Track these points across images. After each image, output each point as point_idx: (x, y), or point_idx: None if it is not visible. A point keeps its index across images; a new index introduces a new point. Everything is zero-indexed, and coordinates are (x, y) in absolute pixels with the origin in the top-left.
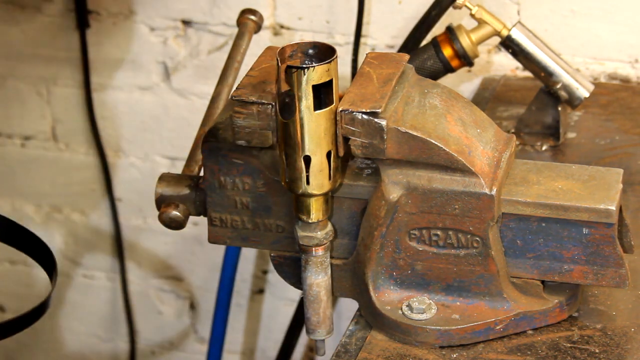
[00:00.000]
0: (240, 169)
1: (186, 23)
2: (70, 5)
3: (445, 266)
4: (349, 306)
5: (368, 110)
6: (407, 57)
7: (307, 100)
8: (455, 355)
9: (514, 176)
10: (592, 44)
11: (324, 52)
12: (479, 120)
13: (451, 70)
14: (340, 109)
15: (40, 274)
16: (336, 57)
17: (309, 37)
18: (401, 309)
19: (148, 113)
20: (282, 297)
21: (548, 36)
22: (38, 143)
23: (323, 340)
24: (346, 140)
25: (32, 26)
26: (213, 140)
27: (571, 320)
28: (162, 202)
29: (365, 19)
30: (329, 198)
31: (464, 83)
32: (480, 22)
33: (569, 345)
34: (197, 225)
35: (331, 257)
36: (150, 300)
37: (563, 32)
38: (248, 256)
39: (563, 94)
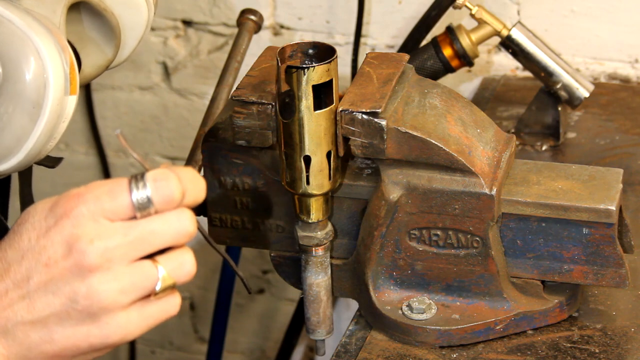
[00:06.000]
0: (240, 169)
1: (186, 23)
2: None
3: (445, 266)
4: (349, 306)
5: (368, 110)
6: (407, 57)
7: (307, 100)
8: (455, 355)
9: (514, 176)
10: (592, 44)
11: (324, 52)
12: (479, 120)
13: (451, 70)
14: (340, 109)
15: None
16: (336, 57)
17: (309, 37)
18: (401, 309)
19: (148, 113)
20: (282, 297)
21: (548, 36)
22: None
23: (323, 340)
24: (346, 140)
25: None
26: (213, 140)
27: (571, 320)
28: None
29: (365, 19)
30: (329, 198)
31: (464, 83)
32: (480, 22)
33: (569, 345)
34: None
35: (331, 257)
36: None
37: (563, 32)
38: (248, 256)
39: (563, 94)
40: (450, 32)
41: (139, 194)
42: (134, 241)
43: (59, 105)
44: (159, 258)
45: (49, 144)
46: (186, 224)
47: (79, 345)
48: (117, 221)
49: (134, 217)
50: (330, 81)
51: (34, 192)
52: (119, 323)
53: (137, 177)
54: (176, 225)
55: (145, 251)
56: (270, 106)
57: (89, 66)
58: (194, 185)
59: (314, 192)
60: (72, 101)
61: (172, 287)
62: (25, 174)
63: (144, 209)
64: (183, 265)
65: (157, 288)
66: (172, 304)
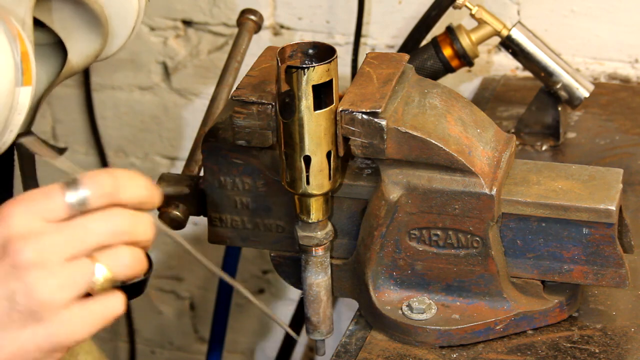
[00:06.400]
0: (240, 169)
1: (186, 23)
2: None
3: (445, 266)
4: (349, 306)
5: (368, 110)
6: (407, 57)
7: (307, 100)
8: (455, 355)
9: (514, 176)
10: (592, 44)
11: (324, 52)
12: (479, 120)
13: (451, 70)
14: (340, 109)
15: None
16: (336, 57)
17: (309, 37)
18: (401, 309)
19: (148, 113)
20: (282, 297)
21: (548, 36)
22: None
23: (323, 340)
24: (346, 140)
25: None
26: (213, 140)
27: (571, 320)
28: (162, 202)
29: (365, 19)
30: (329, 198)
31: (464, 83)
32: (480, 22)
33: (569, 345)
34: (197, 225)
35: (331, 257)
36: (150, 300)
37: (563, 32)
38: (248, 256)
39: (563, 94)
40: (450, 32)
41: (73, 194)
42: (68, 238)
43: (10, 96)
44: (96, 254)
45: (5, 136)
46: (119, 222)
47: (26, 349)
48: (53, 221)
49: (70, 218)
50: (330, 81)
51: None
52: (62, 320)
53: (72, 179)
54: (110, 223)
55: (80, 248)
56: (270, 106)
57: (76, 55)
58: (130, 182)
59: (314, 192)
60: (27, 92)
61: (113, 285)
62: (28, 168)
63: (78, 208)
64: (120, 258)
65: (96, 282)
66: (115, 302)
